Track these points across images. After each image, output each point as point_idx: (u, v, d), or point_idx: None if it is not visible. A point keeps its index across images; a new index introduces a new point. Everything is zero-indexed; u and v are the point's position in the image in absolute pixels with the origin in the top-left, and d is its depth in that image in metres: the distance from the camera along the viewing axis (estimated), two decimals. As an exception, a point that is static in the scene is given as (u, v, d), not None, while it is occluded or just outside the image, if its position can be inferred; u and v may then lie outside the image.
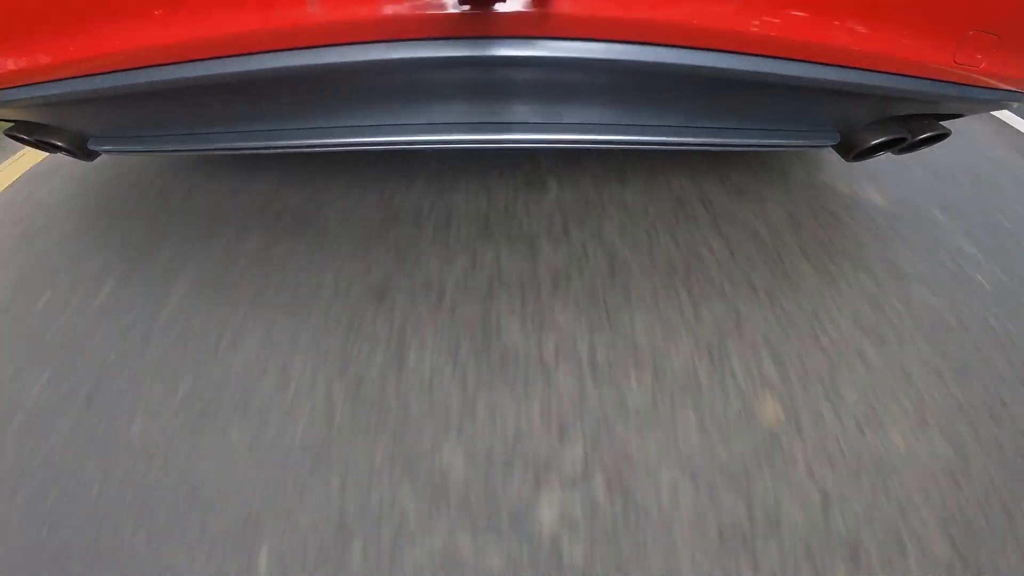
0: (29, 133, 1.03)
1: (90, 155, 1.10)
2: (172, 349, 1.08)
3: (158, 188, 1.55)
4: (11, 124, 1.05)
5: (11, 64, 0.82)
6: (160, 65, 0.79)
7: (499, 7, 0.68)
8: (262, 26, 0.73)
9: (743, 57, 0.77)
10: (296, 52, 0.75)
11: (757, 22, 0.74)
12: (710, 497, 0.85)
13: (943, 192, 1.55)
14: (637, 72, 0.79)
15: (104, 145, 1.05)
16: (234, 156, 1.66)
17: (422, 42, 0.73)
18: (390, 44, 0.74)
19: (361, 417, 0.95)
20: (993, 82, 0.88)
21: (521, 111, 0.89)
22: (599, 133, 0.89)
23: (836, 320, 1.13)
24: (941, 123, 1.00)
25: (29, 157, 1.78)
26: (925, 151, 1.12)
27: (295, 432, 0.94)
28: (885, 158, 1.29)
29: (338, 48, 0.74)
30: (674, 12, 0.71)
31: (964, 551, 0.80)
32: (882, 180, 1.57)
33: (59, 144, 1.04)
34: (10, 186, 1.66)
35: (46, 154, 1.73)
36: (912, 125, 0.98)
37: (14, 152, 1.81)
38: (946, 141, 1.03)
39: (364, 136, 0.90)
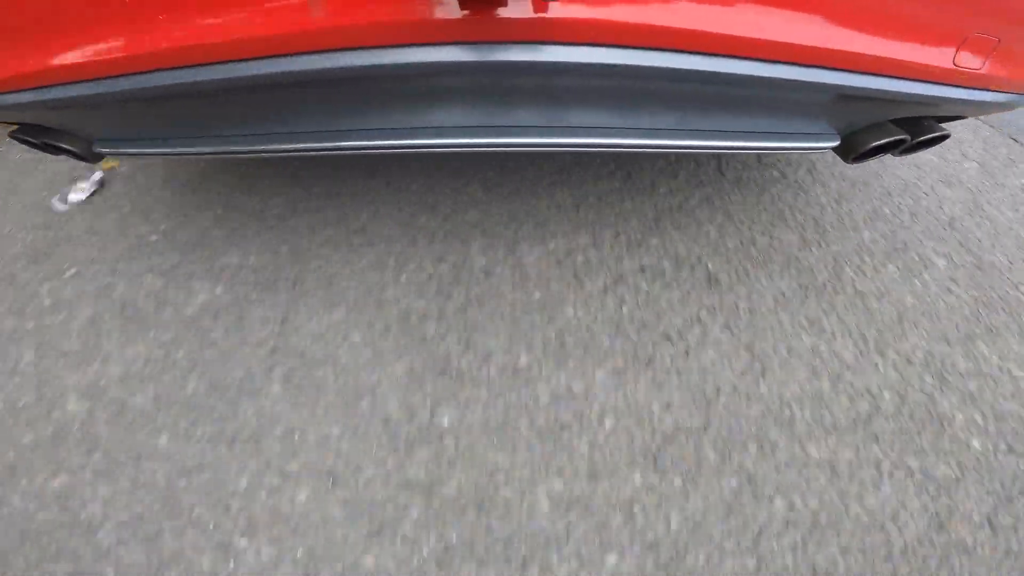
0: (35, 136, 1.03)
1: (96, 157, 1.11)
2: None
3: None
4: (16, 127, 1.06)
5: (16, 68, 0.83)
6: (167, 69, 0.79)
7: (500, 12, 0.69)
8: (267, 31, 0.73)
9: (746, 62, 0.77)
10: (301, 57, 0.75)
11: (759, 27, 0.74)
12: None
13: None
14: (637, 76, 0.79)
15: (111, 148, 1.05)
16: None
17: (424, 47, 0.74)
18: (393, 49, 0.74)
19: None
20: (995, 85, 0.88)
21: (523, 115, 0.89)
22: (601, 136, 0.89)
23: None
24: (941, 124, 1.00)
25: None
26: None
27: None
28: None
29: (343, 53, 0.75)
30: (675, 18, 0.72)
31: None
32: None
33: (65, 147, 1.04)
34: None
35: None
36: (912, 127, 0.98)
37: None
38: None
39: (369, 139, 0.90)
